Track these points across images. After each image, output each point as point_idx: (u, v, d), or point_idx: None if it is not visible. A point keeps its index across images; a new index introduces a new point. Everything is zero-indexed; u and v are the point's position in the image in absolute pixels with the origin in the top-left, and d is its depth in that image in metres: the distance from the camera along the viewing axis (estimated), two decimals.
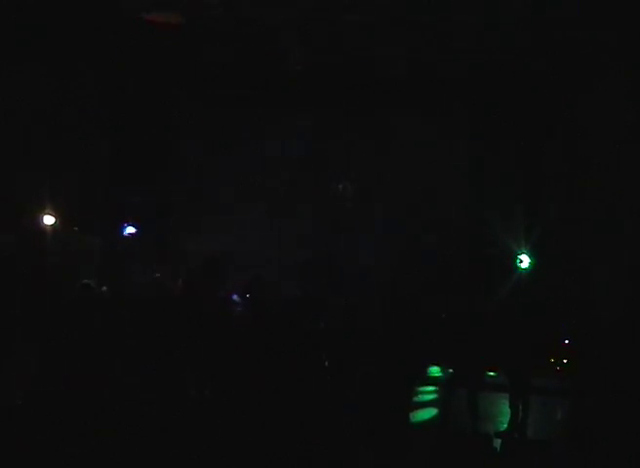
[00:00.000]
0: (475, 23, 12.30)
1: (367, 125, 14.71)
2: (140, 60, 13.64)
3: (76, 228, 12.27)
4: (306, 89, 14.26)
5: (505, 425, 9.02)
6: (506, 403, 9.13)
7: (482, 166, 14.50)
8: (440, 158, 14.43)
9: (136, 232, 13.24)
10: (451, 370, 9.00)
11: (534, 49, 12.92)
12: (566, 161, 13.59)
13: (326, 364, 9.15)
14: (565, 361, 9.34)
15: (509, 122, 14.04)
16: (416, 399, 9.39)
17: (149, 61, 13.68)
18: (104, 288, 10.66)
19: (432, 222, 14.17)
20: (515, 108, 13.93)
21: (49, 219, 12.00)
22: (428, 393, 10.17)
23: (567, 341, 9.49)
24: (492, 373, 9.96)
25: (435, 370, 10.48)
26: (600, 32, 12.04)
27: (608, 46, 12.23)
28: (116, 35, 12.85)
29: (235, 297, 10.12)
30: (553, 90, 13.59)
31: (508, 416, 9.03)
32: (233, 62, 13.77)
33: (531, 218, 13.59)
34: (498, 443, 8.46)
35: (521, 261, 12.99)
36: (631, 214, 11.78)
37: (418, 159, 14.38)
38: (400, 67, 13.66)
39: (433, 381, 9.96)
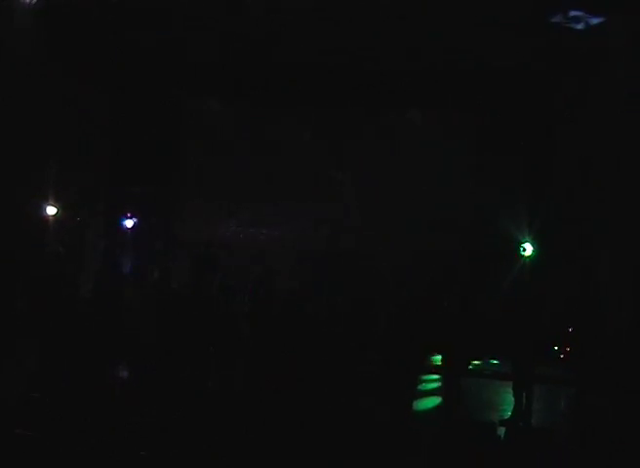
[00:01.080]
0: (477, 25, 12.43)
1: (370, 124, 14.76)
2: (141, 58, 13.73)
3: (79, 219, 12.25)
4: (308, 88, 14.33)
5: (509, 413, 9.01)
6: (510, 391, 9.13)
7: (484, 165, 14.51)
8: (443, 157, 14.47)
9: (135, 224, 13.19)
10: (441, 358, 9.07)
11: (534, 50, 13.03)
12: (567, 161, 13.61)
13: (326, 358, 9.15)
14: (568, 349, 9.34)
15: (511, 122, 14.09)
16: (419, 388, 9.40)
17: (150, 59, 13.77)
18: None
19: (435, 221, 14.18)
20: (516, 108, 13.98)
21: (51, 210, 11.95)
22: (431, 382, 10.16)
23: (570, 329, 9.51)
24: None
25: (437, 359, 10.46)
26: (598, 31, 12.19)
27: (607, 46, 12.33)
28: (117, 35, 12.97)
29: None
30: (554, 90, 13.65)
31: (512, 405, 9.02)
32: (234, 62, 13.84)
33: (533, 217, 13.60)
34: (502, 431, 8.48)
35: (524, 250, 13.04)
36: (632, 214, 11.78)
37: (421, 158, 14.42)
38: (401, 67, 13.76)
39: (436, 370, 9.94)
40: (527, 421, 8.84)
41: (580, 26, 12.27)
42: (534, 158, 14.17)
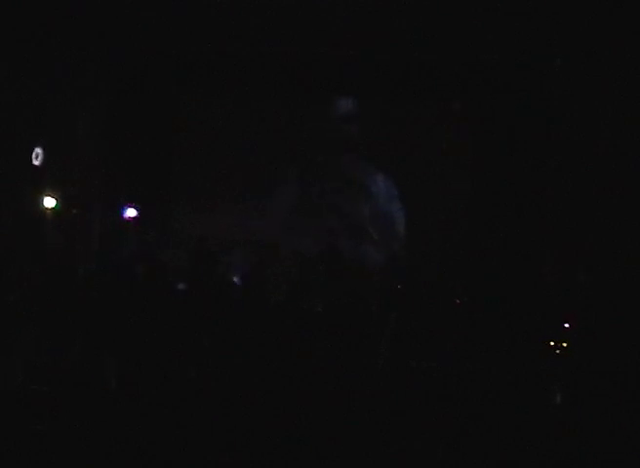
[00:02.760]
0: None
1: (366, 116, 14.74)
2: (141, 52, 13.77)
3: (75, 210, 12.25)
4: (305, 83, 14.31)
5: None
6: None
7: (484, 158, 14.53)
8: (441, 150, 14.50)
9: (137, 215, 13.15)
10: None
11: (532, 44, 13.05)
12: (567, 156, 13.60)
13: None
14: (564, 344, 9.36)
15: (510, 115, 14.07)
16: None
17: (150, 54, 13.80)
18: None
19: (434, 215, 14.23)
20: (515, 102, 13.95)
21: (50, 202, 11.93)
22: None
23: (567, 325, 9.53)
24: None
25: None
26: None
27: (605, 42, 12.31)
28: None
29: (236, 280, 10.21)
30: (554, 85, 13.65)
31: None
32: (233, 57, 13.85)
33: (532, 212, 13.64)
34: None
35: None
36: (631, 211, 11.77)
37: (418, 151, 14.45)
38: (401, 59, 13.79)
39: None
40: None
41: None
42: (534, 152, 14.13)
